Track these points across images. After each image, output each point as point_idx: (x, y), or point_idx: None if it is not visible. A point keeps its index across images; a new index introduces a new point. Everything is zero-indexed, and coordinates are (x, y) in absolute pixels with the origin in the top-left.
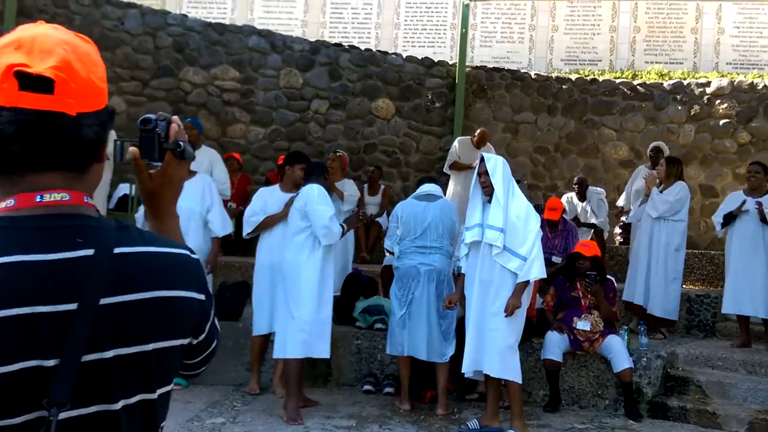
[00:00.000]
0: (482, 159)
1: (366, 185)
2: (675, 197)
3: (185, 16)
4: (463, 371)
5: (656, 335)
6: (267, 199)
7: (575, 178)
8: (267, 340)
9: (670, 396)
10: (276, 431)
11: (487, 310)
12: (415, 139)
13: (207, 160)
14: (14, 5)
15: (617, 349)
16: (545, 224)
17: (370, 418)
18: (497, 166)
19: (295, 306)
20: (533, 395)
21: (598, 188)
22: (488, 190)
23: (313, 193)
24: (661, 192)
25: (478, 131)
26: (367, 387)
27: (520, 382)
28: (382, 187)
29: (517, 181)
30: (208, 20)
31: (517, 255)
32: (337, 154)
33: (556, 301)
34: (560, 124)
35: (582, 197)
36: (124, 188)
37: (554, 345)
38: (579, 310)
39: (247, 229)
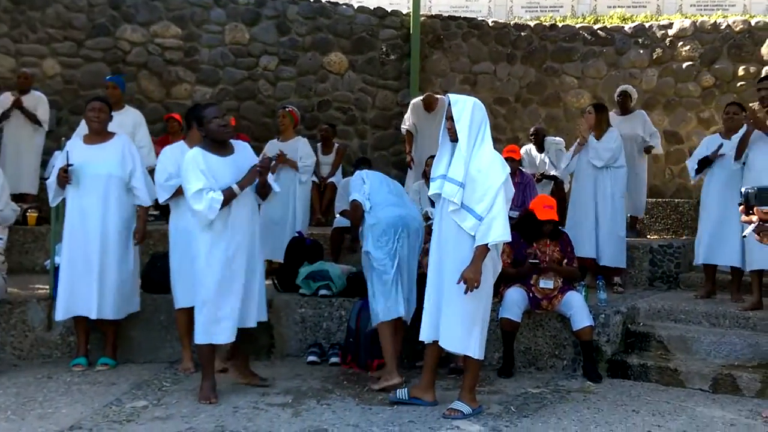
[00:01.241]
0: (449, 103)
1: (319, 144)
2: (615, 143)
3: None
4: (421, 338)
5: (616, 289)
6: (179, 160)
7: (531, 129)
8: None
9: (630, 353)
10: (201, 413)
11: (445, 274)
12: (371, 94)
13: (130, 121)
14: None
15: (577, 306)
16: None
17: (309, 393)
18: (464, 109)
19: (197, 284)
20: (487, 358)
21: (557, 138)
22: (453, 137)
23: (183, 162)
24: (597, 140)
25: (423, 96)
26: (311, 358)
27: (481, 359)
28: (336, 145)
29: None
30: None
31: (473, 213)
32: (287, 109)
33: (512, 259)
34: (520, 73)
35: (540, 148)
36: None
37: (513, 304)
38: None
39: (164, 196)
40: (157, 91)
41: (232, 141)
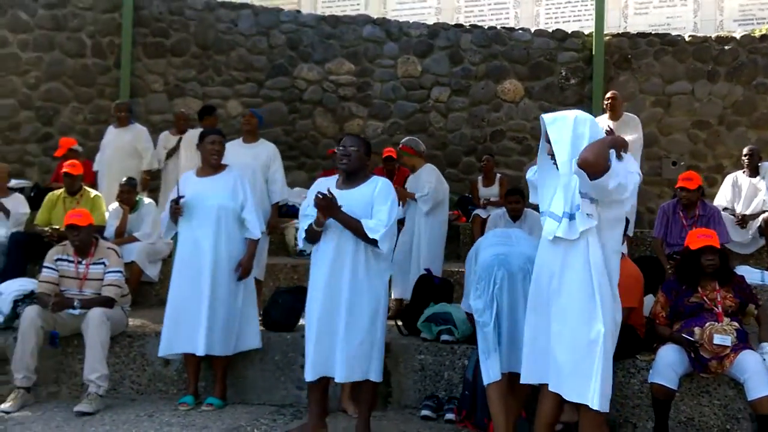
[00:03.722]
0: (545, 124)
1: (480, 176)
2: None
3: (298, 11)
4: (522, 381)
5: None
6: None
7: (745, 149)
8: None
9: None
10: None
11: (550, 308)
12: None
13: (264, 154)
14: (130, 16)
15: (753, 370)
16: (678, 209)
17: None
18: (561, 131)
19: None
20: (638, 427)
21: None
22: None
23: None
24: None
25: (609, 94)
26: (425, 412)
27: (600, 410)
28: (498, 175)
29: (673, 163)
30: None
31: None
32: (399, 147)
33: (669, 311)
34: (724, 92)
35: (753, 172)
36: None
37: (668, 367)
38: (701, 318)
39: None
40: (330, 127)
41: (375, 175)
